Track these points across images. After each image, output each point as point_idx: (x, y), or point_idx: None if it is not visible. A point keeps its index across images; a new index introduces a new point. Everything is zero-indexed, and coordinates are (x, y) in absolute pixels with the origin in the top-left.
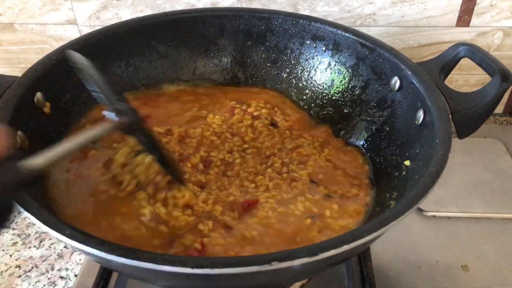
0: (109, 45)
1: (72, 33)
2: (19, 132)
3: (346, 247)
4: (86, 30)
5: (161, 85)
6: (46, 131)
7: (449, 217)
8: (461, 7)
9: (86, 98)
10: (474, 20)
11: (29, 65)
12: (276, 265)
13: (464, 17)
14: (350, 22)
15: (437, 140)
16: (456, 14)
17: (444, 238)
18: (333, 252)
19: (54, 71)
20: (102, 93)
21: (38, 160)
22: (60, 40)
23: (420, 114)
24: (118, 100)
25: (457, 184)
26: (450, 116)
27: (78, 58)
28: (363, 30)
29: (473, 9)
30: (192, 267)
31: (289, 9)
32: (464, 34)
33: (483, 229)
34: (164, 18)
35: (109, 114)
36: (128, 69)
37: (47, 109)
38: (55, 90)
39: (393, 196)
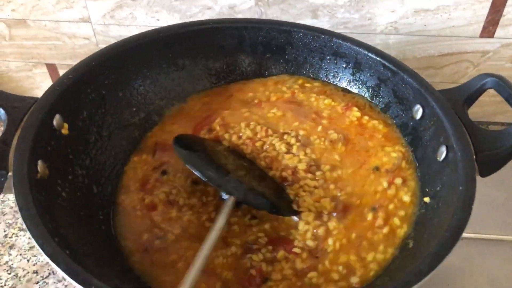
0: (127, 58)
1: (86, 31)
2: (39, 162)
3: None
4: (100, 29)
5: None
6: (64, 153)
7: (462, 238)
8: (486, 18)
9: (104, 114)
10: (499, 32)
11: (42, 60)
12: None
13: (489, 28)
14: (371, 30)
15: (460, 188)
16: (481, 25)
17: (455, 261)
18: None
19: (72, 90)
20: (208, 179)
21: None
22: (73, 37)
23: (443, 150)
24: (224, 179)
25: None
26: (474, 156)
27: (179, 152)
28: (384, 38)
29: (499, 20)
30: None
31: (309, 15)
32: (487, 45)
33: (496, 252)
34: (183, 30)
35: (223, 196)
36: (145, 81)
37: (65, 130)
38: (73, 109)
39: (412, 235)
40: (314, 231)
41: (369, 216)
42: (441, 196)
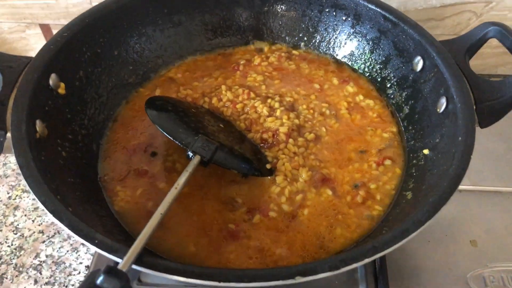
0: (121, 16)
1: None
2: (37, 121)
3: (367, 260)
4: None
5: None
6: (62, 113)
7: (460, 190)
8: None
9: (100, 73)
10: None
11: (35, 21)
12: (299, 279)
13: None
14: None
15: (460, 138)
16: None
17: (453, 212)
18: (354, 265)
19: (66, 49)
20: (176, 140)
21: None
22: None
23: (443, 102)
24: (192, 139)
25: None
26: (474, 107)
27: (149, 113)
28: None
29: None
30: (219, 281)
31: None
32: None
33: (494, 203)
34: None
35: (188, 155)
36: (141, 39)
37: (62, 90)
38: (69, 69)
39: (410, 186)
40: (290, 196)
41: (348, 193)
42: (440, 148)
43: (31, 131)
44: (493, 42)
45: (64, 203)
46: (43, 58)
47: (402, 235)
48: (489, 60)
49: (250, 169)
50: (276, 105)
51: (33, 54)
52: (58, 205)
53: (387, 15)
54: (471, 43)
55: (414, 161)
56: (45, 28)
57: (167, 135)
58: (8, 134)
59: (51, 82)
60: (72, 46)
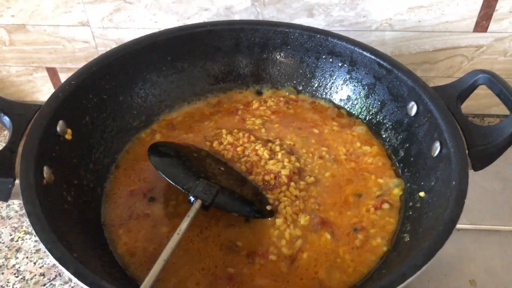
0: (126, 63)
1: (85, 35)
2: (45, 168)
3: None
4: (99, 32)
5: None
6: (68, 158)
7: (458, 229)
8: (479, 13)
9: (105, 118)
10: (492, 26)
11: (42, 64)
12: None
13: (482, 23)
14: (366, 27)
15: (454, 183)
16: (474, 20)
17: (452, 251)
18: None
19: (74, 96)
20: (178, 185)
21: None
22: (73, 41)
23: (437, 146)
24: (193, 183)
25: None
26: (467, 151)
27: (151, 159)
28: (379, 34)
29: (491, 15)
30: None
31: (304, 14)
32: (481, 39)
33: (492, 242)
34: (181, 33)
35: (190, 199)
36: (145, 85)
37: (68, 136)
38: (76, 115)
39: (407, 229)
40: (290, 239)
41: (347, 236)
42: (436, 191)
43: (39, 178)
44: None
45: (69, 249)
46: (52, 106)
47: (400, 280)
48: (483, 101)
49: (251, 211)
50: (277, 148)
51: (39, 96)
52: (64, 252)
53: (382, 62)
54: (462, 90)
55: (411, 203)
56: (51, 71)
57: (169, 181)
58: (16, 181)
59: (58, 128)
60: (79, 93)
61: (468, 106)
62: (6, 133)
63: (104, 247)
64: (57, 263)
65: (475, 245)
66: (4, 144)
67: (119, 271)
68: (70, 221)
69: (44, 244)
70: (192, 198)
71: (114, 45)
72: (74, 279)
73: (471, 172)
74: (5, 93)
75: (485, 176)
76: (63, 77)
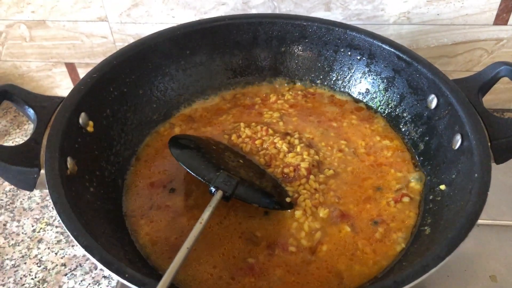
0: (146, 57)
1: (103, 30)
2: (68, 159)
3: None
4: (117, 27)
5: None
6: (90, 150)
7: (478, 225)
8: (500, 6)
9: (126, 111)
10: None
11: (61, 60)
12: None
13: (503, 16)
14: (383, 20)
15: (476, 175)
16: (494, 13)
17: (472, 247)
18: None
19: (95, 89)
20: (199, 176)
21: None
22: (91, 36)
23: (458, 139)
24: (214, 175)
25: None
26: (489, 144)
27: (172, 151)
28: (397, 28)
29: None
30: None
31: (322, 7)
32: (501, 33)
33: None
34: (199, 27)
35: (211, 190)
36: (164, 78)
37: (90, 128)
38: (97, 107)
39: (428, 222)
40: (310, 231)
41: (368, 229)
42: (457, 184)
43: (63, 168)
44: (505, 79)
45: (94, 238)
46: (74, 98)
47: (423, 271)
48: (502, 95)
49: (271, 202)
50: (296, 141)
51: (58, 91)
52: (89, 239)
53: (401, 54)
54: (484, 82)
55: (431, 197)
56: (70, 66)
57: (190, 172)
58: (42, 171)
59: (81, 120)
60: (100, 86)
61: (487, 100)
62: (26, 127)
63: (126, 237)
64: (83, 250)
65: (494, 241)
66: (25, 138)
67: (141, 260)
68: (93, 211)
69: (70, 232)
70: (213, 189)
71: (132, 40)
72: (100, 266)
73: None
74: (25, 88)
75: (505, 171)
76: (82, 72)
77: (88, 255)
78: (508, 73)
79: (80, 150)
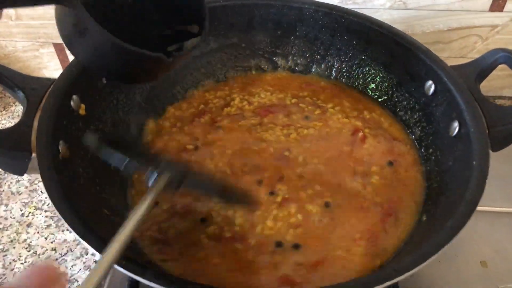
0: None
1: None
2: (60, 142)
3: (388, 283)
4: None
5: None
6: (82, 133)
7: None
8: None
9: (118, 93)
10: (509, 5)
11: (49, 40)
12: None
13: (499, 2)
14: (380, 4)
15: (474, 163)
16: None
17: (464, 232)
18: None
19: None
20: (131, 162)
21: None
22: None
23: (455, 126)
24: (148, 161)
25: None
26: (487, 131)
27: (90, 140)
28: (392, 13)
29: None
30: None
31: None
32: (496, 19)
33: (503, 224)
34: None
35: (150, 179)
36: None
37: (82, 111)
38: (88, 90)
39: (425, 209)
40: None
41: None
42: (454, 171)
43: (55, 152)
44: (499, 65)
45: (88, 224)
46: (65, 80)
47: (423, 258)
48: (495, 82)
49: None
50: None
51: (46, 72)
52: (84, 227)
53: (398, 40)
54: (481, 69)
55: (427, 184)
56: (58, 47)
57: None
58: (33, 155)
59: (72, 103)
60: None
61: (480, 87)
62: (13, 109)
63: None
64: (77, 237)
65: (486, 227)
66: (11, 120)
67: (136, 247)
68: (85, 197)
69: (64, 218)
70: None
71: None
72: (96, 253)
73: None
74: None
75: (497, 158)
76: (71, 54)
77: (84, 243)
78: (507, 60)
79: (72, 134)
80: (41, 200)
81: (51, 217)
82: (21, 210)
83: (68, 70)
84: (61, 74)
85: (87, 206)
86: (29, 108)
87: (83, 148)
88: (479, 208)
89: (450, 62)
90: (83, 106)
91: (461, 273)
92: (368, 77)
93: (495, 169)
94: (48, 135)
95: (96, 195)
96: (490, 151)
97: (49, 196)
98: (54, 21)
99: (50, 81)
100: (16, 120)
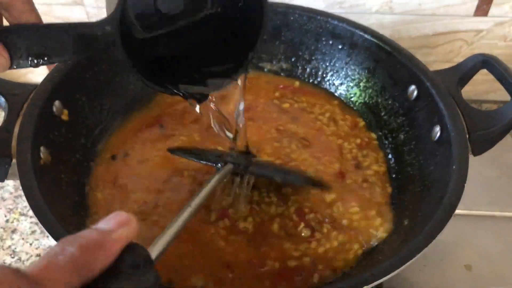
0: None
1: (79, 14)
2: (42, 148)
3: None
4: (93, 12)
5: None
6: (65, 139)
7: (454, 215)
8: None
9: (103, 99)
10: (493, 10)
11: None
12: None
13: (483, 7)
14: (366, 9)
15: (454, 167)
16: (475, 4)
17: (448, 237)
18: None
19: (70, 75)
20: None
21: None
22: (67, 20)
23: (437, 130)
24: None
25: None
26: (467, 136)
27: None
28: (379, 17)
29: None
30: None
31: None
32: (481, 24)
33: (488, 227)
34: None
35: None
36: None
37: (65, 116)
38: (72, 95)
39: (406, 213)
40: None
41: None
42: (435, 176)
43: (36, 158)
44: (484, 70)
45: (68, 230)
46: (48, 86)
47: (401, 262)
48: (480, 86)
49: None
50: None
51: (32, 77)
52: (63, 232)
53: (382, 45)
54: (462, 74)
55: (410, 187)
56: None
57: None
58: (13, 160)
59: (54, 109)
60: (75, 73)
61: (466, 91)
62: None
63: None
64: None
65: (470, 231)
66: None
67: None
68: (67, 202)
69: (43, 225)
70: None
71: None
72: None
73: None
74: None
75: (482, 162)
76: None
77: None
78: (487, 66)
79: (54, 139)
80: (26, 206)
81: (36, 223)
82: (5, 216)
83: (51, 75)
84: (44, 80)
85: (69, 212)
86: (10, 113)
87: (66, 153)
88: (463, 212)
89: (437, 67)
90: (65, 111)
91: (446, 277)
92: (352, 82)
93: (480, 173)
94: (29, 141)
95: (79, 201)
96: (471, 156)
97: (28, 202)
98: None
99: (32, 86)
100: None
